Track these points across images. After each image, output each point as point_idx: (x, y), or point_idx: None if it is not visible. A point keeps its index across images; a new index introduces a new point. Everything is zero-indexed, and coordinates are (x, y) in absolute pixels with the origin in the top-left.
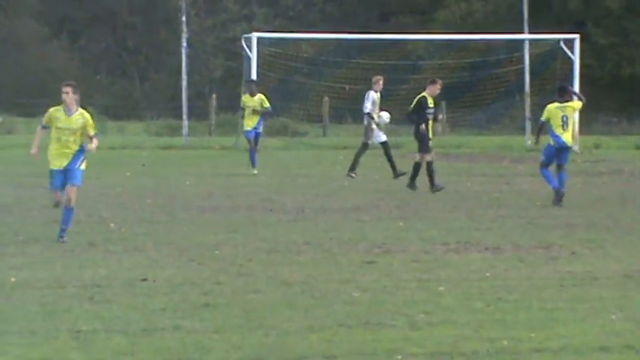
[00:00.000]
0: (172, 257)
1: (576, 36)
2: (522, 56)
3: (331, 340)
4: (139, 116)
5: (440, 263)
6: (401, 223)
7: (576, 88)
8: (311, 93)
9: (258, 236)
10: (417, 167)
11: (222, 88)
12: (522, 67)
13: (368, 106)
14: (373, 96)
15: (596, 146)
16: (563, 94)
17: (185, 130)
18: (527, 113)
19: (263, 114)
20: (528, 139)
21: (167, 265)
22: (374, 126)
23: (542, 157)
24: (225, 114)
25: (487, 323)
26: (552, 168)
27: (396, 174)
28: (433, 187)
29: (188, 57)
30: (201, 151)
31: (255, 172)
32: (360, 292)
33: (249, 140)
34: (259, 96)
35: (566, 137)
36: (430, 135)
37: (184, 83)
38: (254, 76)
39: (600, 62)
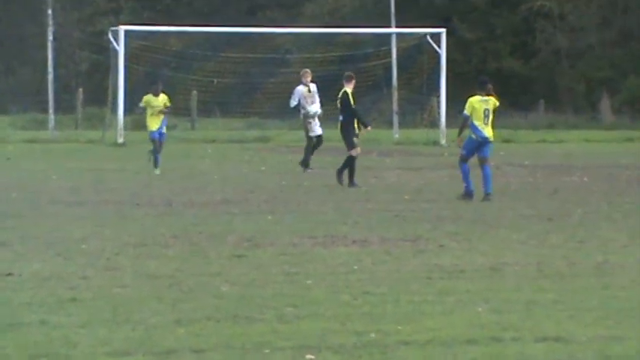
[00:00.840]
0: (39, 251)
1: (442, 30)
2: (390, 50)
3: (199, 333)
4: (4, 110)
5: (308, 257)
6: (270, 217)
7: (443, 82)
8: (179, 86)
9: (125, 230)
10: (350, 161)
11: (88, 82)
12: (390, 61)
13: (292, 102)
14: (300, 91)
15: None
16: (484, 87)
17: (51, 124)
18: (395, 107)
19: (165, 113)
20: (396, 133)
21: (33, 259)
22: (310, 120)
23: (462, 151)
24: (92, 107)
25: (354, 316)
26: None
27: (304, 166)
28: (351, 183)
29: (54, 50)
30: (68, 144)
31: (158, 172)
32: (229, 285)
33: (153, 141)
34: (163, 96)
35: (488, 131)
36: (357, 131)
37: (50, 77)
38: (121, 69)
39: (466, 57)
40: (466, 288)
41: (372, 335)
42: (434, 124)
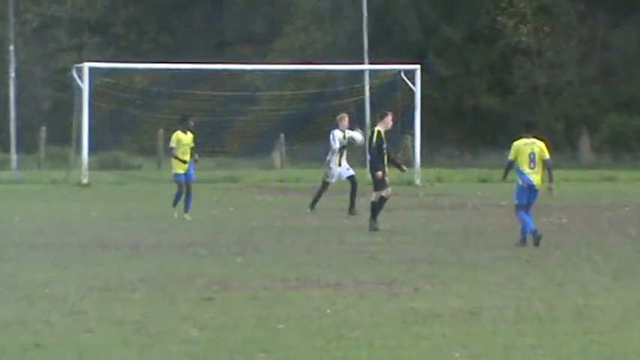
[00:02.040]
0: (0, 296)
1: (417, 66)
2: (363, 87)
3: None
4: None
5: (280, 300)
6: (239, 259)
7: (418, 119)
8: (145, 125)
9: (90, 273)
10: (374, 206)
11: (51, 120)
12: (363, 99)
13: (336, 145)
14: (338, 135)
15: (439, 179)
16: (531, 130)
17: (14, 164)
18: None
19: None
20: (369, 173)
21: None
22: (332, 165)
23: (515, 201)
24: (55, 147)
25: None
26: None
27: (352, 211)
28: (371, 226)
29: (16, 88)
30: (31, 185)
31: (189, 217)
32: (198, 330)
33: (178, 183)
34: (190, 133)
35: (535, 177)
36: (386, 170)
37: (12, 115)
38: (86, 107)
39: (442, 93)
40: (443, 332)
41: None
42: (408, 163)
